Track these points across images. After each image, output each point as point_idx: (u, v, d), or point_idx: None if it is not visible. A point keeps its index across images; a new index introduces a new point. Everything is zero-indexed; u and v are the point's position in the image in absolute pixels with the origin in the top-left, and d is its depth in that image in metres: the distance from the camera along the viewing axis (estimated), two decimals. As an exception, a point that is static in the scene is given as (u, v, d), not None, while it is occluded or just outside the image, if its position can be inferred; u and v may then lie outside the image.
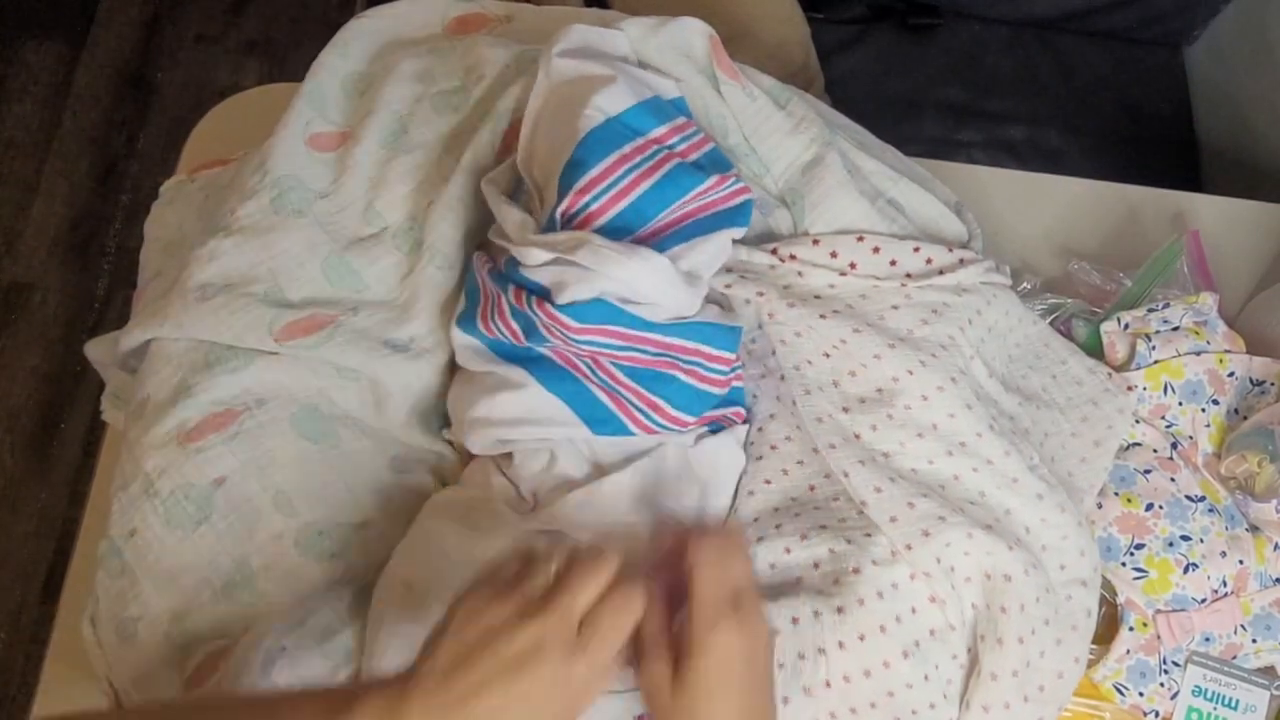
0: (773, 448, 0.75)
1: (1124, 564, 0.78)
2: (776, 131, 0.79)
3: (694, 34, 0.78)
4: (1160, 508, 0.78)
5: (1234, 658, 0.79)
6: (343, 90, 0.80)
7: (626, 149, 0.70)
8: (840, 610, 0.67)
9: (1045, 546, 0.72)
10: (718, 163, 0.74)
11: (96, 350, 0.81)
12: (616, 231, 0.69)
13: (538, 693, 0.53)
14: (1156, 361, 0.82)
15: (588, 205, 0.68)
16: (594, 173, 0.68)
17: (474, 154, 0.75)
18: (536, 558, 0.59)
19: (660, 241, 0.70)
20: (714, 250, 0.72)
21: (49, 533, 1.64)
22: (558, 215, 0.69)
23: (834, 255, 0.77)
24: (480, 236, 0.78)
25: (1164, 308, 0.84)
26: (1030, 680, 0.69)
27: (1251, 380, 0.84)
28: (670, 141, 0.73)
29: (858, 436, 0.73)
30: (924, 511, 0.69)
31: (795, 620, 0.67)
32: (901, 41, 1.36)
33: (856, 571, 0.68)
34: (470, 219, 0.76)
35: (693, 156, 0.73)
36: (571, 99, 0.71)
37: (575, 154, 0.69)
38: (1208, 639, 0.78)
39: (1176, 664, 0.78)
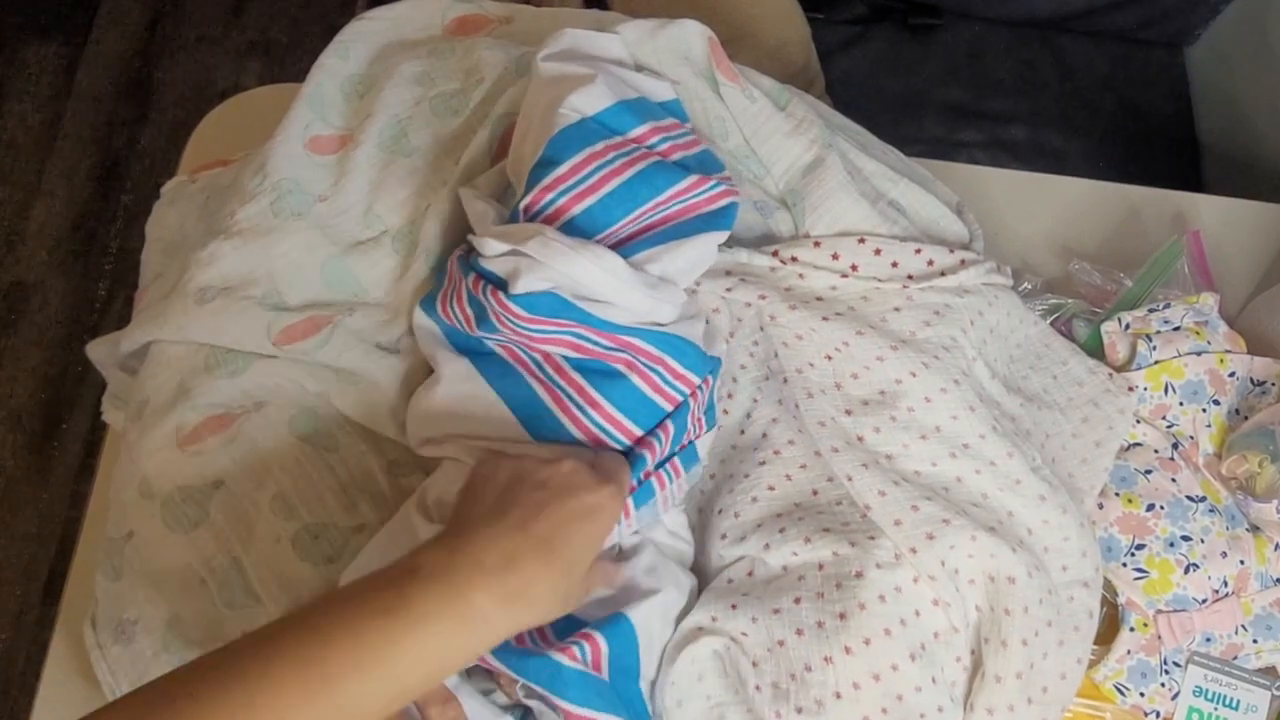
0: (776, 453, 0.75)
1: (1125, 564, 0.78)
2: (776, 133, 0.79)
3: (693, 36, 0.77)
4: (1161, 508, 0.78)
5: (1235, 658, 0.79)
6: (342, 93, 0.80)
7: (599, 147, 0.68)
8: (842, 616, 0.67)
9: (1047, 548, 0.72)
10: (707, 165, 0.73)
11: (98, 351, 0.81)
12: (581, 230, 0.68)
13: (583, 513, 0.58)
14: (1157, 362, 0.82)
15: (552, 201, 0.67)
16: (561, 170, 0.67)
17: (470, 157, 0.75)
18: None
19: (636, 244, 0.69)
20: (693, 256, 0.70)
21: (50, 533, 1.64)
22: (520, 209, 0.68)
23: (835, 257, 0.77)
24: None
25: (1165, 308, 0.84)
26: (1034, 682, 0.69)
27: (1252, 380, 0.84)
28: (651, 141, 0.71)
29: (860, 439, 0.73)
30: (928, 514, 0.69)
31: (800, 632, 0.67)
32: (902, 42, 1.36)
33: (859, 575, 0.68)
34: (466, 222, 0.76)
35: (675, 156, 0.72)
36: (550, 100, 0.70)
37: (545, 152, 0.68)
38: (1208, 639, 0.78)
39: (1177, 664, 0.78)
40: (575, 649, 0.62)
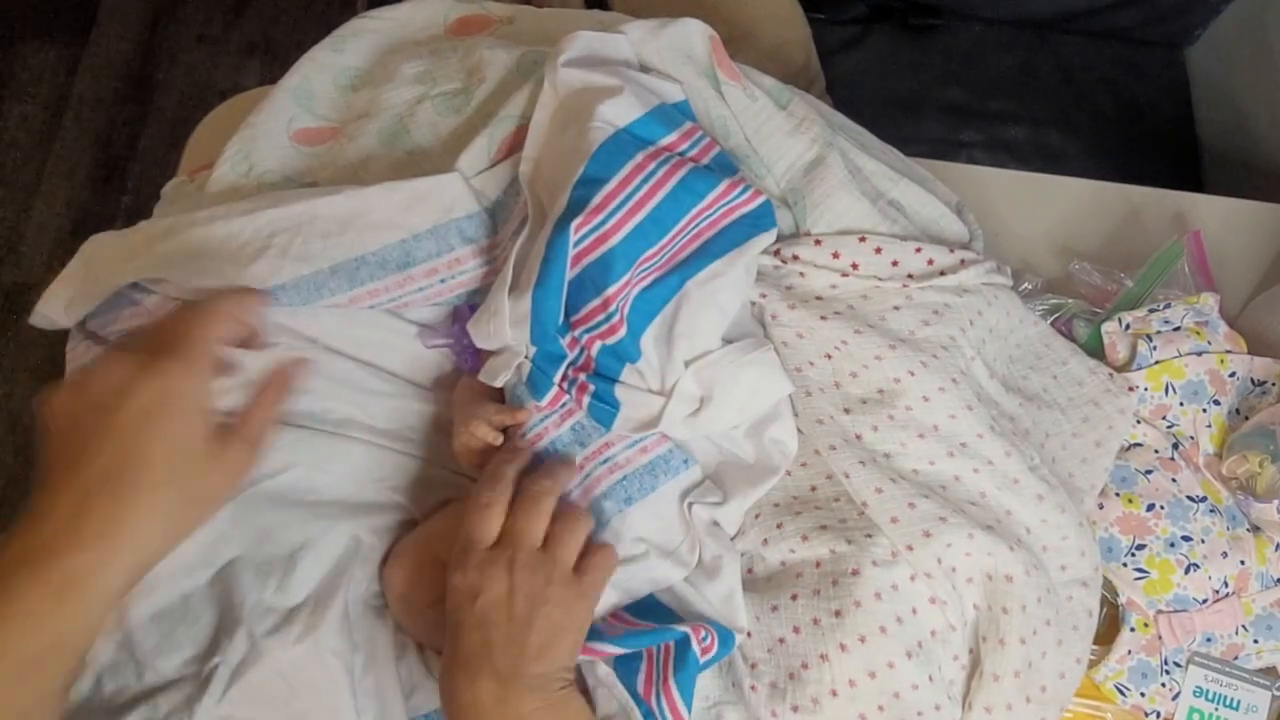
0: (775, 450, 0.75)
1: (1125, 564, 0.78)
2: (777, 132, 0.79)
3: (695, 35, 0.77)
4: (1161, 508, 0.78)
5: (1235, 658, 0.79)
6: (336, 85, 0.80)
7: (639, 158, 0.69)
8: (838, 614, 0.67)
9: (1046, 547, 0.72)
10: (725, 167, 0.74)
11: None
12: (639, 243, 0.68)
13: (141, 417, 0.54)
14: (1158, 362, 0.82)
15: (605, 220, 0.67)
16: (610, 187, 0.67)
17: (470, 158, 0.75)
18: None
19: (696, 259, 0.70)
20: (749, 261, 0.72)
21: (50, 533, 1.64)
22: (571, 229, 0.67)
23: (836, 256, 0.77)
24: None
25: (1165, 308, 0.84)
26: (1032, 681, 0.69)
27: (1252, 380, 0.84)
28: (682, 147, 0.72)
29: (859, 437, 0.73)
30: (925, 512, 0.69)
31: (797, 630, 0.68)
32: (902, 42, 1.36)
33: (855, 573, 0.68)
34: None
35: (705, 160, 0.73)
36: (577, 112, 0.70)
37: (587, 170, 0.68)
38: (1209, 639, 0.78)
39: (1178, 664, 0.78)
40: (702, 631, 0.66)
